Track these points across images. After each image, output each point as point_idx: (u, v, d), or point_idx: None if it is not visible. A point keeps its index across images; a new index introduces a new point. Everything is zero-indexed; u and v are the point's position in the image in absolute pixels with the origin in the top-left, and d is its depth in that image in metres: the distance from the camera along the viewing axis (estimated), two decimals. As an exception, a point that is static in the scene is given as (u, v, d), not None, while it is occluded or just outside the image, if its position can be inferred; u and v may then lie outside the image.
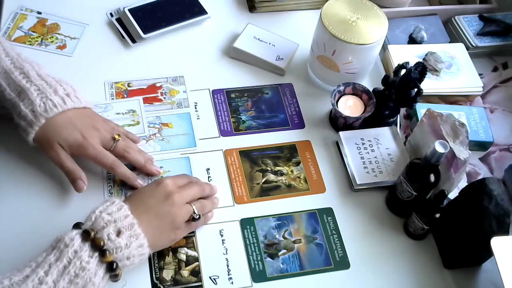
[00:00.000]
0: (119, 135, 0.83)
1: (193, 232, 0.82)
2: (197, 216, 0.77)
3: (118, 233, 0.68)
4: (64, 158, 0.79)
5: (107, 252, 0.67)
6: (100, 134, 0.82)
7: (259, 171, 0.90)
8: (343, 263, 0.81)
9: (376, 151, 0.91)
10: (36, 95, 0.79)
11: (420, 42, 1.08)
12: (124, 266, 0.69)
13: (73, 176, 0.80)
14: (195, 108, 0.97)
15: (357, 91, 0.96)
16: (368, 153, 0.91)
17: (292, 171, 0.90)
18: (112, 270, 0.67)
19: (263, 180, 0.89)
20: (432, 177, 0.79)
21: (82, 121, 0.81)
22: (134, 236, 0.69)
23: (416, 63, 0.90)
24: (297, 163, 0.92)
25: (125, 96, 0.96)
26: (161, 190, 0.75)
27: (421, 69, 0.89)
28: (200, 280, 0.78)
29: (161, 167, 0.88)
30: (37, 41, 1.01)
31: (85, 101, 0.84)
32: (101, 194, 0.84)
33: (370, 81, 1.03)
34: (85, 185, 0.80)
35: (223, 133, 0.94)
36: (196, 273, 0.78)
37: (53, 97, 0.80)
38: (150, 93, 0.97)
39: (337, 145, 0.94)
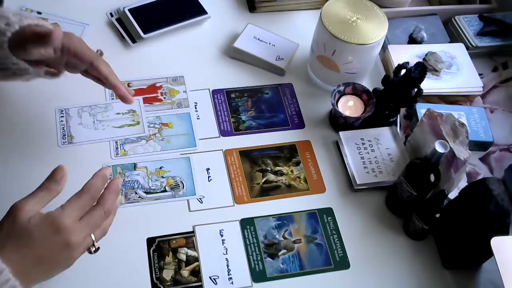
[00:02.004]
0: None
1: (193, 232, 0.82)
2: (95, 249, 0.67)
3: None
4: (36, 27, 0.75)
5: None
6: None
7: (259, 171, 0.90)
8: (343, 263, 0.81)
9: (376, 151, 0.91)
10: (12, 15, 0.76)
11: (420, 42, 1.08)
12: None
13: (46, 29, 0.75)
14: (195, 108, 0.97)
15: (357, 91, 0.96)
16: (368, 153, 0.91)
17: (292, 171, 0.90)
18: None
19: (263, 180, 0.89)
20: (432, 177, 0.79)
21: None
22: None
23: (416, 63, 0.90)
24: (297, 163, 0.92)
25: (125, 96, 0.96)
26: (59, 239, 0.62)
27: (421, 69, 0.89)
28: (200, 280, 0.78)
29: (161, 167, 0.88)
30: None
31: None
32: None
33: (370, 81, 1.03)
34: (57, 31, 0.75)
35: (223, 133, 0.94)
36: (196, 273, 0.78)
37: (28, 16, 0.78)
38: (150, 93, 0.97)
39: (337, 145, 0.94)
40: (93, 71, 0.81)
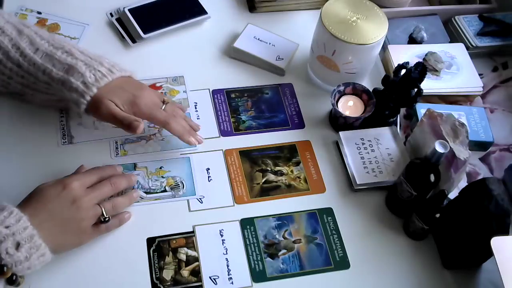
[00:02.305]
0: (168, 99, 0.86)
1: (193, 232, 0.82)
2: (106, 219, 0.76)
3: (17, 246, 0.66)
4: (116, 108, 0.80)
5: (5, 268, 0.65)
6: (150, 95, 0.84)
7: (259, 171, 0.90)
8: (343, 263, 0.81)
9: (376, 151, 0.91)
10: (85, 69, 0.80)
11: (420, 42, 1.08)
12: (25, 274, 0.68)
13: (128, 120, 0.79)
14: (195, 108, 0.97)
15: (357, 91, 0.96)
16: (368, 153, 0.91)
17: (292, 171, 0.91)
18: (12, 282, 0.66)
19: (263, 180, 0.89)
20: (432, 177, 0.79)
21: (131, 85, 0.83)
22: (34, 248, 0.67)
23: (416, 63, 0.90)
24: (297, 163, 0.92)
25: (125, 96, 0.96)
26: (66, 195, 0.72)
27: (421, 69, 0.89)
28: (200, 280, 0.78)
29: (161, 167, 0.88)
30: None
31: (129, 71, 0.86)
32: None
33: (370, 81, 1.03)
34: (141, 124, 0.80)
35: (223, 133, 0.94)
36: (196, 273, 0.78)
37: (101, 68, 0.81)
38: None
39: (337, 145, 0.94)
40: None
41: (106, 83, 0.80)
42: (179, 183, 0.87)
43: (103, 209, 0.75)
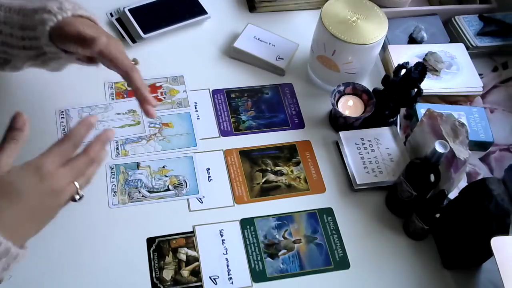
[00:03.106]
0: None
1: (193, 232, 0.82)
2: (79, 197, 0.65)
3: None
4: (83, 28, 0.74)
5: None
6: (121, 44, 0.78)
7: (259, 171, 0.90)
8: (343, 263, 0.81)
9: (376, 151, 0.91)
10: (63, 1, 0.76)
11: (420, 42, 1.08)
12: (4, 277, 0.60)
13: (90, 36, 0.73)
14: (195, 108, 0.97)
15: (357, 91, 0.96)
16: (368, 153, 0.91)
17: (292, 171, 0.91)
18: None
19: (263, 180, 0.89)
20: (432, 177, 0.79)
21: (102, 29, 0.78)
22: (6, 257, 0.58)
23: (416, 63, 0.90)
24: (297, 163, 0.92)
25: (125, 96, 0.96)
26: (44, 187, 0.60)
27: (421, 69, 0.89)
28: (200, 280, 0.78)
29: (164, 166, 0.88)
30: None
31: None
32: (104, 193, 0.84)
33: (370, 81, 1.03)
34: (101, 38, 0.73)
35: (223, 133, 0.94)
36: (196, 273, 0.78)
37: (80, 6, 0.78)
38: (150, 93, 0.97)
39: (337, 145, 0.94)
40: (126, 79, 0.77)
41: (82, 13, 0.77)
42: (182, 182, 0.87)
43: (77, 187, 0.64)
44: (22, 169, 0.60)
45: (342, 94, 0.96)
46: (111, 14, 1.07)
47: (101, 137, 0.68)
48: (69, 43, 0.75)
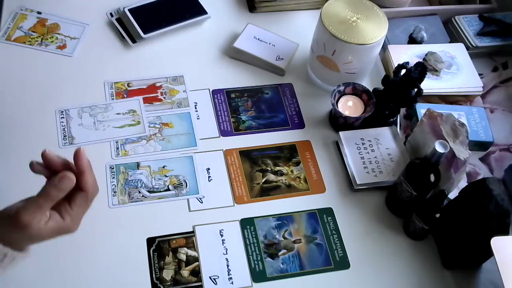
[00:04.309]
0: None
1: (193, 232, 0.82)
2: None
3: None
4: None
5: None
6: None
7: (259, 171, 0.90)
8: (343, 263, 0.81)
9: (376, 151, 0.91)
10: None
11: (420, 42, 1.08)
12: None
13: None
14: (195, 108, 0.97)
15: (357, 91, 0.96)
16: (368, 153, 0.91)
17: (292, 171, 0.91)
18: None
19: (263, 180, 0.89)
20: (432, 177, 0.79)
21: None
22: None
23: (416, 63, 0.90)
24: (297, 163, 0.92)
25: (125, 96, 0.96)
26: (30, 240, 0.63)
27: (421, 69, 0.89)
28: (200, 280, 0.78)
29: (164, 166, 0.88)
30: (37, 41, 1.01)
31: None
32: (104, 193, 0.84)
33: (370, 81, 1.03)
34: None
35: (223, 133, 0.94)
36: (196, 273, 0.78)
37: None
38: (150, 93, 0.97)
39: (337, 145, 0.94)
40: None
41: None
42: (182, 182, 0.87)
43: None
44: (53, 228, 0.61)
45: (342, 94, 0.96)
46: (111, 14, 1.07)
47: (86, 168, 0.64)
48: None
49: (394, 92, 0.92)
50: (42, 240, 0.62)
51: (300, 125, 0.97)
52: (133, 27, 1.04)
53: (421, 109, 0.95)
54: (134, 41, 1.04)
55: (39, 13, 1.05)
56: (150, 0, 1.08)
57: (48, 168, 0.65)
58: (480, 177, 0.92)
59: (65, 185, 0.62)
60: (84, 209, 0.64)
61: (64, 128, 0.91)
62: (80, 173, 0.63)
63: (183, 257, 0.80)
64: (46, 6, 1.06)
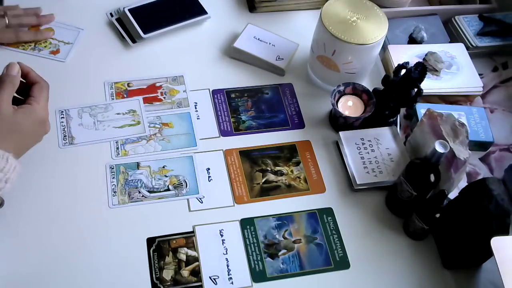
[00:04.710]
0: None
1: (193, 232, 0.82)
2: None
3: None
4: None
5: None
6: None
7: (259, 171, 0.90)
8: (343, 263, 0.81)
9: (376, 151, 0.91)
10: None
11: (420, 42, 1.08)
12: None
13: None
14: (195, 108, 0.97)
15: (357, 91, 0.96)
16: (368, 153, 0.91)
17: (292, 171, 0.91)
18: None
19: (263, 180, 0.89)
20: (432, 177, 0.79)
21: None
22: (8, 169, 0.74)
23: (416, 63, 0.90)
24: (297, 163, 0.92)
25: (125, 96, 0.96)
26: (42, 129, 0.81)
27: (421, 69, 0.89)
28: (200, 280, 0.78)
29: (164, 166, 0.88)
30: (30, 45, 1.01)
31: None
32: (104, 193, 0.84)
33: (370, 81, 1.03)
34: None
35: (223, 133, 0.94)
36: (196, 273, 0.78)
37: None
38: (150, 93, 0.97)
39: (337, 145, 0.94)
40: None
41: None
42: (182, 182, 0.87)
43: None
44: (25, 113, 0.78)
45: (342, 94, 0.96)
46: (111, 14, 1.07)
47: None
48: None
49: (394, 92, 0.92)
50: (20, 127, 0.77)
51: (300, 125, 0.97)
52: (133, 27, 1.04)
53: (421, 109, 0.95)
54: (134, 41, 1.04)
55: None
56: (150, 0, 1.08)
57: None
58: (480, 177, 0.92)
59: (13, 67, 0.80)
60: (44, 95, 0.81)
61: (64, 128, 0.91)
62: (26, 74, 0.82)
63: (183, 257, 0.80)
64: (45, 6, 1.05)
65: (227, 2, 1.15)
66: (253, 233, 0.83)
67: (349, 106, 0.95)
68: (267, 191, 0.88)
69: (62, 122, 0.91)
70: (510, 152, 0.98)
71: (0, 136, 0.75)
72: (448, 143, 0.78)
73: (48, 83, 0.83)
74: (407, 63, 0.92)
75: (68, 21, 1.05)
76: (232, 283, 0.78)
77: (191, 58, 1.04)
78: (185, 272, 0.78)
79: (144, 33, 1.03)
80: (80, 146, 0.89)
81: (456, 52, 1.07)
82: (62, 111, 0.93)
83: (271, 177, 0.90)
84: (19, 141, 0.78)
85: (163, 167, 0.88)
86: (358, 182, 0.88)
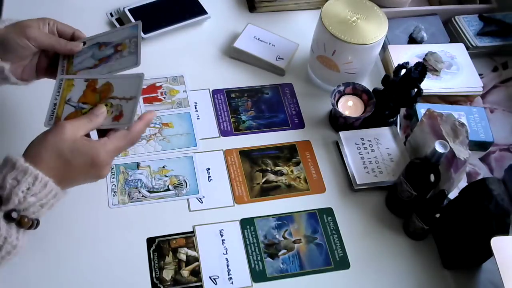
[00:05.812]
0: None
1: (193, 232, 0.82)
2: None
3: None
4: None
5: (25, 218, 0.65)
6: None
7: (259, 171, 0.90)
8: (343, 263, 0.81)
9: (376, 151, 0.91)
10: None
11: (420, 42, 1.08)
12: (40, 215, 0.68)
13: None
14: (195, 108, 0.97)
15: (357, 91, 0.96)
16: (368, 153, 0.91)
17: (292, 171, 0.91)
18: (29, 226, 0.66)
19: (263, 180, 0.89)
20: (432, 177, 0.79)
21: None
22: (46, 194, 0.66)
23: (416, 63, 0.90)
24: (297, 163, 0.92)
25: (125, 96, 0.96)
26: (93, 171, 0.69)
27: (421, 69, 0.89)
28: (200, 280, 0.78)
29: (164, 166, 0.88)
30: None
31: None
32: (104, 193, 0.84)
33: (370, 81, 1.03)
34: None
35: (223, 133, 0.94)
36: (196, 273, 0.78)
37: None
38: (150, 93, 0.97)
39: (337, 145, 0.94)
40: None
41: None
42: (182, 182, 0.87)
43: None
44: (85, 146, 0.68)
45: (342, 94, 0.96)
46: (111, 14, 1.07)
47: (145, 121, 0.73)
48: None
49: (394, 92, 0.92)
50: (69, 158, 0.67)
51: (300, 125, 0.97)
52: (133, 27, 1.04)
53: (421, 109, 0.95)
54: (134, 41, 1.03)
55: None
56: (150, 0, 1.08)
57: None
58: (480, 177, 0.92)
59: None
60: (120, 145, 0.71)
61: (64, 128, 0.90)
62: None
63: (183, 257, 0.80)
64: (46, 6, 1.06)
65: (227, 2, 1.15)
66: (253, 233, 0.83)
67: (349, 106, 0.95)
68: (267, 191, 0.88)
69: (62, 122, 0.91)
70: (510, 152, 0.98)
71: (47, 158, 0.67)
72: (448, 143, 0.78)
73: (139, 135, 0.73)
74: (407, 63, 0.92)
75: (68, 21, 1.05)
76: (232, 283, 0.78)
77: (191, 58, 1.04)
78: (185, 272, 0.78)
79: (144, 33, 1.03)
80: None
81: (456, 52, 1.07)
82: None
83: (271, 177, 0.90)
84: (66, 172, 0.68)
85: (163, 167, 0.88)
86: (358, 182, 0.88)
